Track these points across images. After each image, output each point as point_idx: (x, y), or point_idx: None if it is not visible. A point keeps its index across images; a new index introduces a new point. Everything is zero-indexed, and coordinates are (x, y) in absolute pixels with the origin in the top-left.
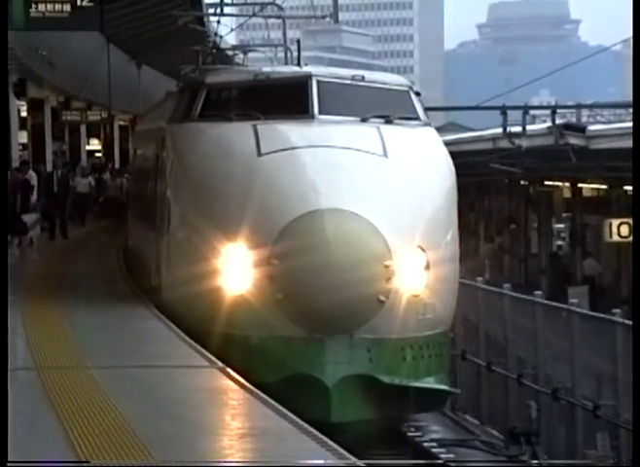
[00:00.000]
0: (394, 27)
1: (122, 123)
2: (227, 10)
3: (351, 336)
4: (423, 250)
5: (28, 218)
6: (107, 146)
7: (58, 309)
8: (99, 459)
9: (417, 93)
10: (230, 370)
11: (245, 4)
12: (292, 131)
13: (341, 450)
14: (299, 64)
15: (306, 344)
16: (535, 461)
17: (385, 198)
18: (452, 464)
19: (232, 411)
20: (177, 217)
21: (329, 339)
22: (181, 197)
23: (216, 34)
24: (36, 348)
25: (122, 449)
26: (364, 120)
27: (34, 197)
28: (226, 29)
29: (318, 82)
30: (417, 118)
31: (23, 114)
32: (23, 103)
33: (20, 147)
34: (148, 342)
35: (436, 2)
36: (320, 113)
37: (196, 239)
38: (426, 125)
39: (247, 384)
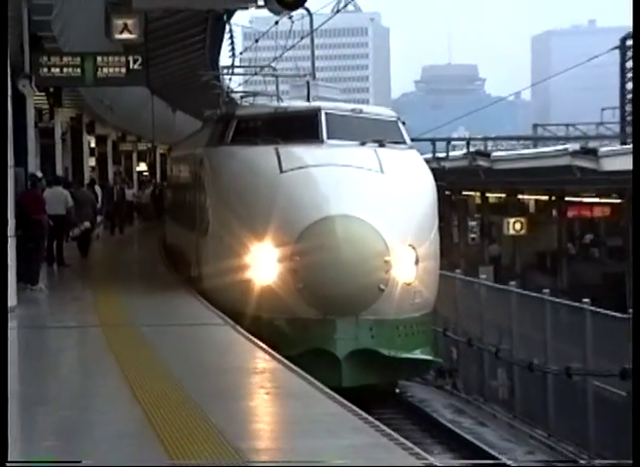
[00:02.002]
0: (355, 82)
1: (161, 151)
2: (236, 70)
3: (357, 317)
4: (414, 248)
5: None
6: (151, 167)
7: (116, 282)
8: (141, 385)
9: (403, 123)
10: (238, 327)
11: (249, 66)
12: (306, 153)
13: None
14: (308, 100)
15: (321, 324)
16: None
17: (383, 206)
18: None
19: (238, 354)
20: (216, 221)
21: (339, 320)
22: (219, 205)
23: (228, 87)
24: (100, 311)
25: (160, 381)
26: (362, 143)
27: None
28: (235, 83)
29: (326, 113)
30: (404, 142)
31: (92, 145)
32: (92, 138)
33: (90, 169)
34: (180, 307)
35: (385, 65)
36: (328, 138)
37: (232, 240)
38: (411, 147)
39: (248, 335)
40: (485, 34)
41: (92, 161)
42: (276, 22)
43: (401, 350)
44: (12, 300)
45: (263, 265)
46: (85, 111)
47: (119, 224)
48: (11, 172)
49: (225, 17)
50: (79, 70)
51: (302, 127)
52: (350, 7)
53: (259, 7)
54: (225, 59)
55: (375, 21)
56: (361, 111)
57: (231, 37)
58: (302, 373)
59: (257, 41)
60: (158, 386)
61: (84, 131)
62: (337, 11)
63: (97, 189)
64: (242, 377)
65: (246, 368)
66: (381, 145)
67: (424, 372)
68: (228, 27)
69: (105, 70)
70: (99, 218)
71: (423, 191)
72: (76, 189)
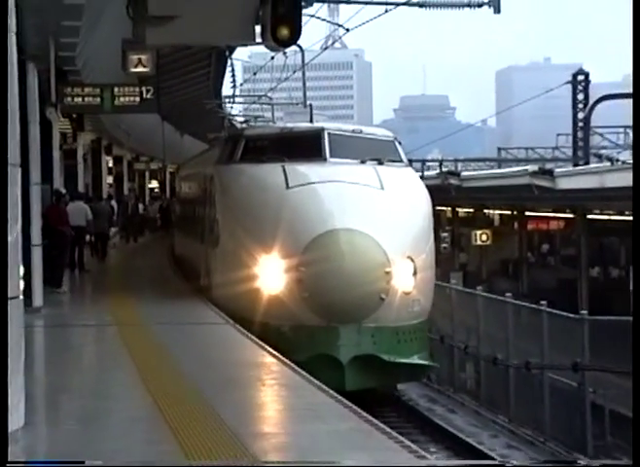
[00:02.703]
0: (341, 110)
1: (170, 170)
2: (236, 99)
3: (359, 324)
4: (412, 259)
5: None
6: (161, 184)
7: (130, 285)
8: (152, 376)
9: (399, 142)
10: (237, 326)
11: (248, 95)
12: (311, 170)
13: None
14: (311, 121)
15: (325, 331)
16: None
17: (383, 221)
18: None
19: (236, 348)
20: (226, 234)
21: (342, 327)
22: (229, 219)
23: (230, 114)
24: (115, 311)
25: (168, 372)
26: (363, 162)
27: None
28: (236, 111)
29: (329, 133)
30: (401, 160)
31: (110, 165)
32: (110, 158)
33: (108, 185)
34: (186, 308)
35: (367, 95)
36: (331, 157)
37: (241, 251)
38: (407, 165)
39: (247, 333)
40: (456, 68)
41: (110, 179)
42: (272, 58)
43: (400, 356)
44: (38, 301)
45: (270, 275)
46: (103, 135)
47: (132, 234)
48: (37, 189)
49: (227, 53)
50: (98, 99)
51: (307, 147)
52: (337, 44)
53: (257, 44)
54: (227, 89)
55: (359, 57)
56: (361, 131)
57: (232, 70)
58: (294, 366)
59: (255, 74)
60: (166, 377)
61: (102, 152)
62: (326, 48)
63: (114, 203)
64: (242, 369)
65: (245, 361)
66: (380, 163)
67: (421, 376)
68: (229, 61)
69: (121, 99)
70: (115, 229)
71: (420, 206)
72: (95, 203)
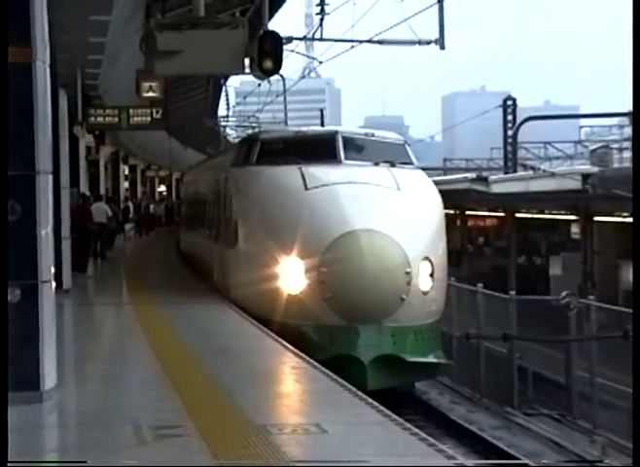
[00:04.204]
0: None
1: (176, 176)
2: (230, 119)
3: (380, 325)
4: (430, 260)
5: (128, 226)
6: (168, 188)
7: (142, 271)
8: (160, 346)
9: (409, 145)
10: (232, 305)
11: (239, 116)
12: (327, 172)
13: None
14: (322, 125)
15: (346, 332)
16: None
17: (402, 222)
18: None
19: (231, 322)
20: (244, 234)
21: (363, 327)
22: (247, 220)
23: (224, 130)
24: (130, 292)
25: (174, 342)
26: (376, 164)
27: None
28: (229, 128)
29: (342, 136)
30: (412, 163)
31: (126, 172)
32: (126, 167)
33: (125, 189)
34: (189, 289)
35: (337, 116)
36: (345, 159)
37: (260, 252)
38: (418, 168)
39: (240, 312)
40: (409, 93)
41: (126, 184)
42: (259, 84)
43: (418, 355)
44: (67, 284)
45: (290, 275)
46: (121, 148)
47: (145, 229)
48: (67, 192)
49: (222, 81)
50: (117, 119)
51: (321, 149)
52: (312, 74)
53: (246, 73)
54: (222, 110)
55: (330, 84)
56: (373, 134)
57: (227, 94)
58: (274, 336)
59: (245, 97)
60: (172, 347)
61: (120, 162)
62: (303, 76)
63: (130, 204)
64: (236, 340)
65: (238, 332)
66: (392, 165)
67: (435, 374)
68: (224, 87)
69: (135, 119)
70: (130, 225)
71: (434, 207)
72: (114, 203)
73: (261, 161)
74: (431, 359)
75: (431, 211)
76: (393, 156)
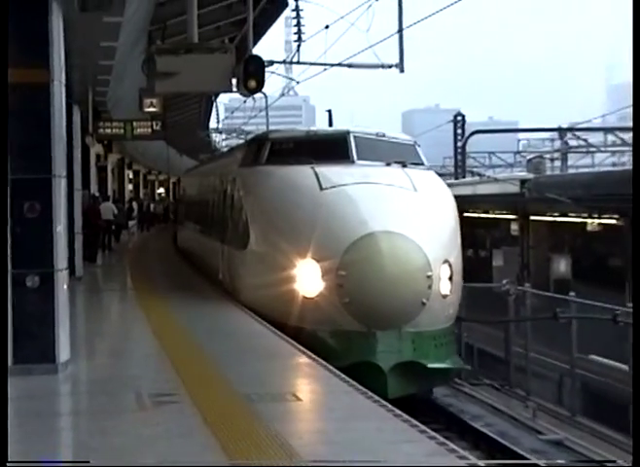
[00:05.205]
0: None
1: (173, 180)
2: (220, 130)
3: (400, 330)
4: (449, 263)
5: (132, 223)
6: (166, 190)
7: (144, 261)
8: (159, 326)
9: (419, 145)
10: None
11: (227, 130)
12: (342, 172)
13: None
14: (330, 125)
15: (365, 337)
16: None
17: (421, 223)
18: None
19: (222, 305)
20: (256, 235)
21: (383, 333)
22: (259, 221)
23: (215, 140)
24: (133, 279)
25: (172, 323)
26: (388, 164)
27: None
28: (219, 138)
29: (354, 136)
30: (422, 163)
31: (130, 176)
32: (130, 171)
33: (129, 191)
34: (184, 277)
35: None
36: (358, 159)
37: (275, 254)
38: (428, 168)
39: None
40: (374, 109)
41: (130, 187)
42: (245, 101)
43: (437, 360)
44: (79, 272)
45: (306, 278)
46: (126, 155)
47: (146, 226)
48: (79, 193)
49: (213, 97)
50: (122, 130)
51: (333, 149)
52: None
53: (233, 92)
54: (212, 123)
55: (306, 102)
56: (384, 134)
57: (217, 109)
58: (261, 321)
59: (232, 112)
60: (170, 327)
61: (125, 168)
62: (283, 94)
63: (133, 204)
64: (227, 319)
65: (229, 311)
66: (404, 166)
67: (450, 379)
68: (214, 103)
69: (138, 130)
70: (133, 222)
71: (450, 207)
72: (120, 203)
73: (271, 160)
74: (450, 364)
75: (448, 212)
76: (404, 156)
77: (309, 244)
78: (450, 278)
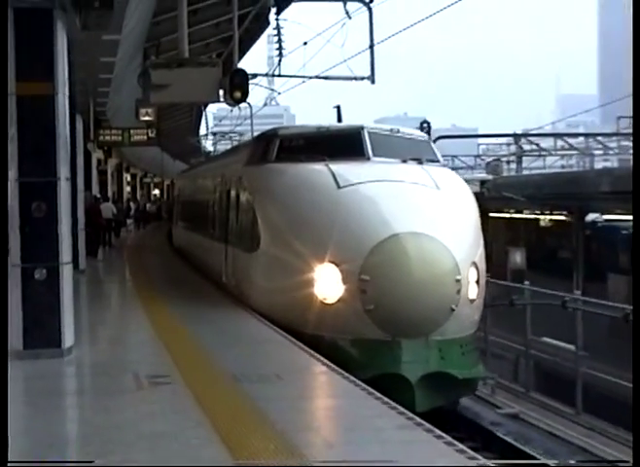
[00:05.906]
0: None
1: (167, 182)
2: (209, 137)
3: (426, 338)
4: (476, 266)
5: (129, 221)
6: (161, 192)
7: (141, 255)
8: (155, 315)
9: (434, 141)
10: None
11: (217, 134)
12: (358, 169)
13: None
14: (339, 121)
15: (389, 346)
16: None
17: (447, 223)
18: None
19: (216, 296)
20: (269, 237)
21: (409, 341)
22: (271, 221)
23: (205, 146)
24: (131, 272)
25: (167, 313)
26: (404, 161)
27: (132, 213)
28: (208, 144)
29: (369, 132)
30: (438, 160)
31: (128, 179)
32: (128, 175)
33: (127, 193)
34: (178, 269)
35: None
36: (373, 155)
37: (290, 257)
38: (444, 165)
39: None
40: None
41: (128, 189)
42: (231, 110)
43: (464, 369)
44: (83, 265)
45: (325, 283)
46: (124, 160)
47: (142, 224)
48: (82, 194)
49: (202, 107)
50: (120, 137)
51: (347, 145)
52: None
53: (221, 102)
54: (202, 130)
55: (287, 111)
56: (398, 130)
57: (206, 118)
58: (258, 317)
59: (220, 120)
60: (165, 316)
61: (123, 171)
62: (265, 104)
63: (131, 204)
64: (218, 308)
65: (221, 303)
66: (419, 163)
67: (475, 389)
68: (204, 112)
69: (135, 137)
70: (131, 220)
71: (473, 206)
72: (119, 203)
73: (281, 157)
74: (477, 374)
75: (471, 211)
76: (420, 152)
77: (328, 246)
78: (477, 281)
